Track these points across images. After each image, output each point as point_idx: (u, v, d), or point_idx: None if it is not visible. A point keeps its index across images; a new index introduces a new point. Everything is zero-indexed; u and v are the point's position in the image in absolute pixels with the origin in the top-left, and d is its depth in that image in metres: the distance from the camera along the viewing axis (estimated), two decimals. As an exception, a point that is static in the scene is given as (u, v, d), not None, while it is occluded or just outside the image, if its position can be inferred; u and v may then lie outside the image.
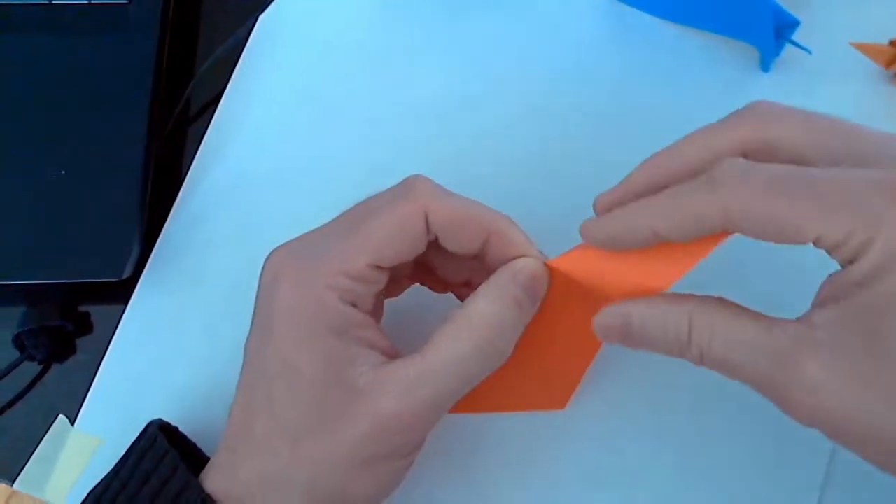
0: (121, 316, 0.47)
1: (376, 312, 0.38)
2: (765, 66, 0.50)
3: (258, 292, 0.36)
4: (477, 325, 0.33)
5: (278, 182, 0.49)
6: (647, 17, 0.52)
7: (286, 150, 0.51)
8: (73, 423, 0.44)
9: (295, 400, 0.33)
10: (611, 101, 0.50)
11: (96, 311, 0.48)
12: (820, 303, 0.30)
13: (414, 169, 0.48)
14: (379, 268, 0.34)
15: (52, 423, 0.44)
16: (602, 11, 0.53)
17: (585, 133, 0.49)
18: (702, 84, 0.50)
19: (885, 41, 0.48)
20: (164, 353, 0.46)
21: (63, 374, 0.47)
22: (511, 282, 0.34)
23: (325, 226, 0.36)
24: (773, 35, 0.48)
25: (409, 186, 0.35)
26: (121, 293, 0.47)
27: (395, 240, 0.34)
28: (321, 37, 0.54)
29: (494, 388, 0.36)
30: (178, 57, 0.53)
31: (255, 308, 0.36)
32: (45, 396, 0.46)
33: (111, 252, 0.46)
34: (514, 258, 0.35)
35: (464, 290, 0.40)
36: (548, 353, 0.38)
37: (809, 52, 0.48)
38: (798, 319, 0.30)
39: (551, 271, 0.35)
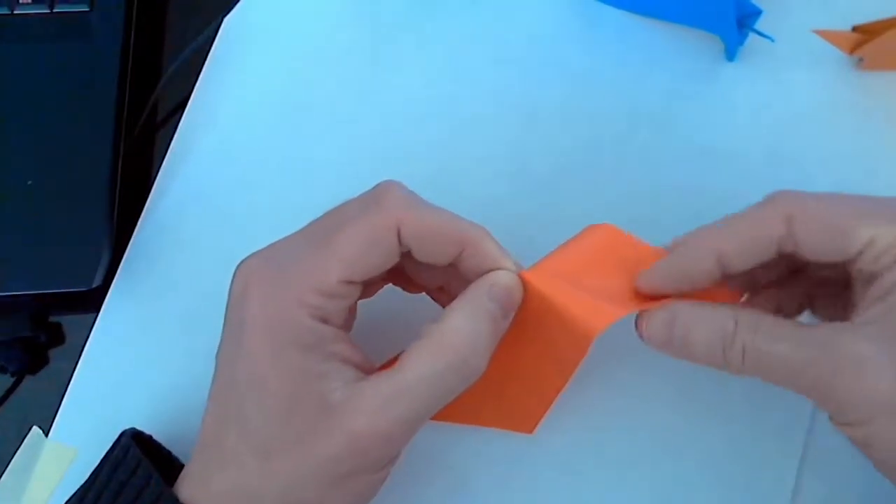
0: (93, 325, 0.47)
1: (349, 318, 0.38)
2: (729, 55, 0.50)
3: (228, 302, 0.35)
4: (451, 341, 0.33)
5: (248, 185, 0.49)
6: (611, 10, 0.52)
7: (255, 152, 0.50)
8: (48, 434, 0.44)
9: (266, 415, 0.33)
10: (578, 95, 0.50)
11: (70, 321, 0.48)
12: (857, 309, 0.33)
13: (387, 170, 0.48)
14: (351, 282, 0.34)
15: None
16: (567, 6, 0.53)
17: (554, 127, 0.50)
18: (668, 75, 0.51)
19: (847, 27, 0.49)
20: (137, 361, 0.45)
21: (37, 385, 0.46)
22: (485, 296, 0.34)
23: (295, 234, 0.36)
24: (735, 24, 0.48)
25: (380, 196, 0.35)
26: (92, 302, 0.47)
27: (367, 255, 0.34)
28: (287, 38, 0.54)
29: (466, 400, 0.35)
30: (144, 62, 0.53)
31: (225, 318, 0.35)
32: (20, 408, 0.46)
33: (80, 261, 0.45)
34: (489, 270, 0.35)
35: (438, 293, 0.40)
36: (519, 369, 0.37)
37: (773, 41, 0.48)
38: (833, 322, 0.33)
39: (525, 283, 0.35)
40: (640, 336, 0.35)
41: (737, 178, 0.48)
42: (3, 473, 0.43)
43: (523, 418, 0.39)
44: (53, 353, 0.47)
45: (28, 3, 0.51)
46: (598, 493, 0.41)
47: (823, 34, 0.48)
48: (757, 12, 0.48)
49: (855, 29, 0.48)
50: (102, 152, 0.47)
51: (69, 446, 0.44)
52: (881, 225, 0.32)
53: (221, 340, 0.35)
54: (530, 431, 0.39)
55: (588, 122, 0.50)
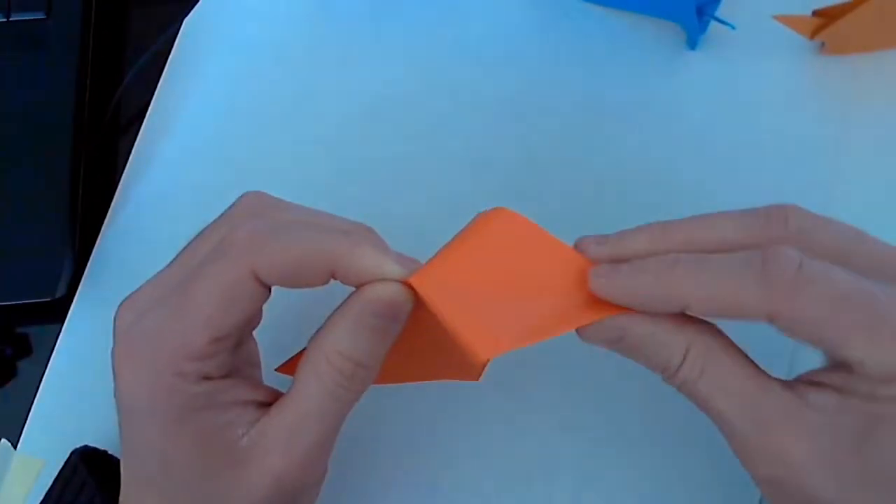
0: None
1: (241, 349, 0.35)
2: (691, 43, 0.50)
3: (112, 364, 0.33)
4: (335, 361, 0.31)
5: (211, 188, 0.48)
6: (572, 2, 0.52)
7: (218, 155, 0.50)
8: (16, 447, 0.44)
9: (182, 485, 0.32)
10: (540, 88, 0.50)
11: (38, 331, 0.47)
12: (820, 384, 0.30)
13: (349, 170, 0.48)
14: (220, 339, 0.31)
15: (-5, 447, 0.44)
16: (528, -2, 0.53)
17: (516, 121, 0.49)
18: (631, 65, 0.50)
19: (807, 12, 0.48)
20: (104, 371, 0.44)
21: (5, 397, 0.46)
22: (365, 312, 0.31)
23: (158, 280, 0.33)
24: (695, 13, 0.48)
25: (227, 239, 0.31)
26: (57, 312, 0.47)
27: (228, 311, 0.31)
28: (247, 38, 0.53)
29: (402, 361, 0.33)
30: (104, 67, 0.53)
31: (114, 387, 0.33)
32: (-11, 421, 0.46)
33: (43, 271, 0.45)
34: (367, 283, 0.31)
35: None
36: (439, 338, 0.32)
37: (733, 28, 0.48)
38: (791, 386, 0.30)
39: (416, 285, 0.31)
40: (581, 337, 0.32)
41: (701, 166, 0.47)
42: (-28, 487, 0.43)
43: (466, 367, 0.35)
44: (22, 364, 0.47)
45: (-17, 13, 0.50)
46: (570, 487, 0.41)
47: (783, 19, 0.48)
48: (716, 0, 0.48)
49: (815, 13, 0.48)
50: (61, 160, 0.47)
51: (37, 458, 0.44)
52: (876, 348, 0.28)
53: (119, 421, 0.33)
54: (476, 378, 0.34)
55: (550, 114, 0.49)
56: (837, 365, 0.30)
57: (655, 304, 0.30)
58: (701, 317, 0.30)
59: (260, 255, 0.30)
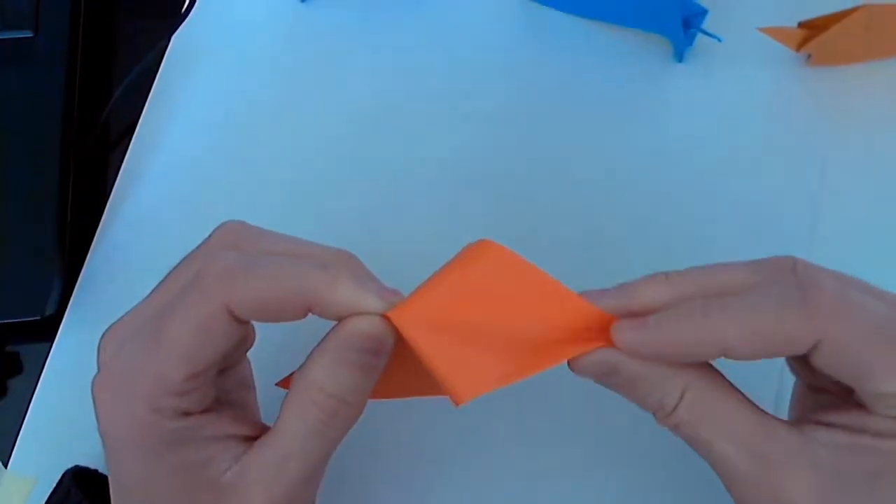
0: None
1: (232, 378, 0.35)
2: (678, 56, 0.50)
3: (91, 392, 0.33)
4: (317, 398, 0.30)
5: (201, 204, 0.49)
6: (559, 15, 0.52)
7: (207, 170, 0.50)
8: (7, 465, 0.44)
9: None
10: (530, 102, 0.50)
11: (29, 349, 0.47)
12: (829, 423, 0.29)
13: (338, 184, 0.48)
14: (197, 375, 0.30)
15: (-14, 466, 0.44)
16: (515, 12, 0.53)
17: (506, 134, 0.50)
18: (618, 78, 0.51)
19: (794, 24, 0.49)
20: None
21: (-4, 415, 0.46)
22: (345, 347, 0.30)
23: (137, 313, 0.33)
24: (682, 25, 0.48)
25: (200, 274, 0.30)
26: (47, 330, 0.47)
27: (203, 347, 0.30)
28: (235, 53, 0.53)
29: (396, 377, 0.33)
30: (92, 83, 0.53)
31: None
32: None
33: (32, 289, 0.45)
34: (346, 317, 0.30)
35: None
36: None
37: (720, 41, 0.48)
38: (796, 426, 0.29)
39: (395, 320, 0.30)
40: (572, 369, 0.31)
41: (689, 178, 0.48)
42: (-38, 507, 0.43)
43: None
44: (11, 382, 0.47)
45: (-30, 31, 0.50)
46: (558, 490, 0.41)
47: (770, 31, 0.48)
48: (703, 12, 0.48)
49: (801, 25, 0.48)
50: (49, 178, 0.47)
51: (28, 476, 0.43)
52: None
53: (104, 452, 0.33)
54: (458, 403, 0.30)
55: (537, 126, 0.50)
56: (847, 404, 0.29)
57: (694, 352, 0.29)
58: (741, 359, 0.29)
59: (233, 291, 0.29)
